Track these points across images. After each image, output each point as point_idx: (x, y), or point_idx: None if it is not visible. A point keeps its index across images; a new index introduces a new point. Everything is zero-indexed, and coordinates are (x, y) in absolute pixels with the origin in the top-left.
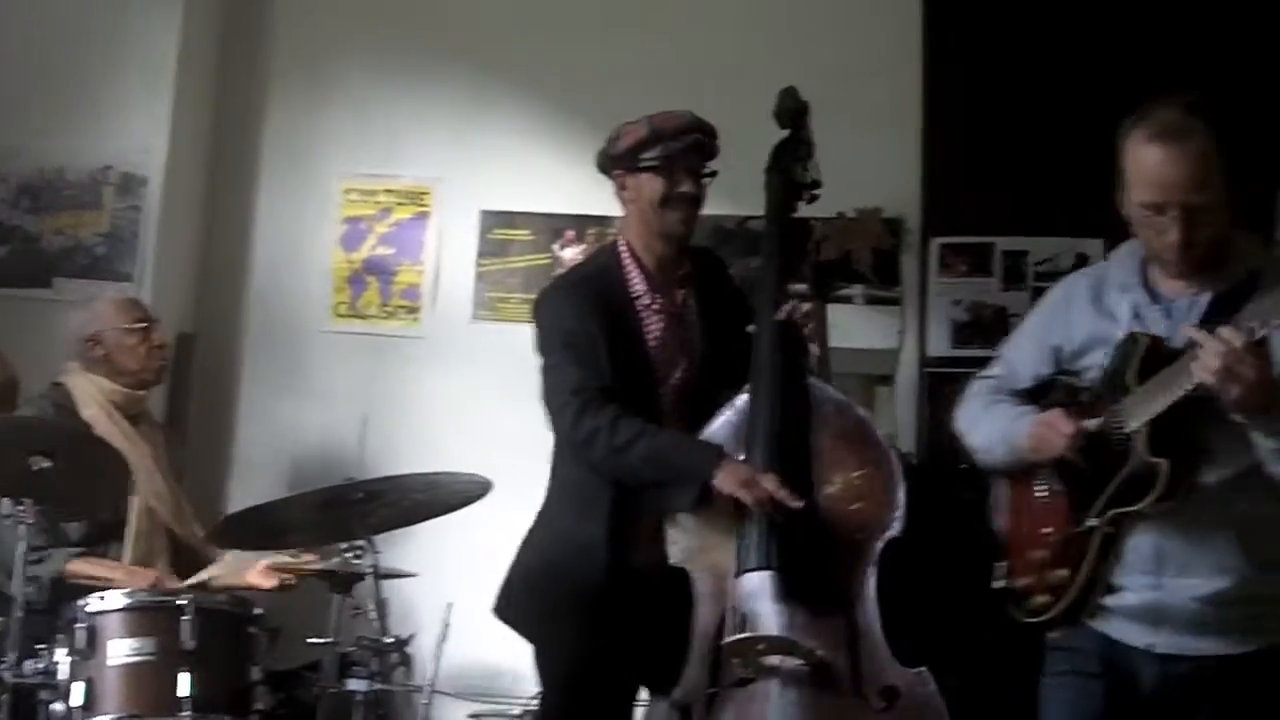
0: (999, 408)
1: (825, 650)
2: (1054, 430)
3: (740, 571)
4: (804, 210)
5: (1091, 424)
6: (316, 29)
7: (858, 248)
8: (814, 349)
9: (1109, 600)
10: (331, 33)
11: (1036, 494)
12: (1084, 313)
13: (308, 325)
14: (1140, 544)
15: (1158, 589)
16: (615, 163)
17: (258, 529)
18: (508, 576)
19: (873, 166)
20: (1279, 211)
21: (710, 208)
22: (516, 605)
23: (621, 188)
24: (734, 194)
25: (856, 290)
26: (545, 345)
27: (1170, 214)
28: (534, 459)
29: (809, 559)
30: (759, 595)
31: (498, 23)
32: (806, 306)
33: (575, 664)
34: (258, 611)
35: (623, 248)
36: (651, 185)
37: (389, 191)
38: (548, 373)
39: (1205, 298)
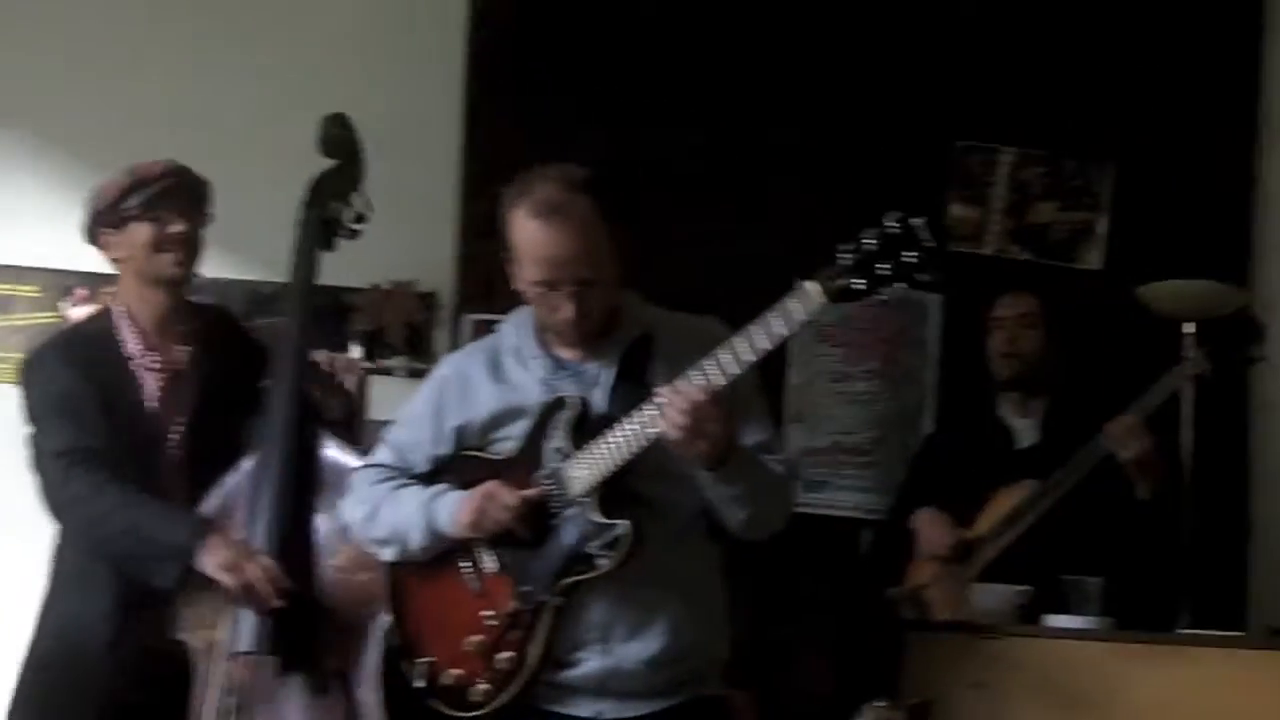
0: (403, 493)
1: None
2: (495, 502)
3: (234, 652)
4: (339, 280)
5: (534, 492)
6: None
7: (391, 321)
8: (360, 411)
9: (560, 676)
10: None
11: (463, 576)
12: (485, 388)
13: None
14: (591, 612)
15: (607, 655)
16: (101, 220)
17: None
18: (19, 672)
19: (408, 238)
20: None
21: (244, 273)
22: (20, 698)
23: (111, 248)
24: (268, 260)
25: (399, 362)
26: (35, 409)
27: (563, 290)
28: (28, 541)
29: (307, 639)
30: (254, 675)
31: (4, 65)
32: (353, 378)
33: None
34: None
35: (118, 308)
36: (141, 232)
37: None
38: (37, 438)
39: (612, 360)
